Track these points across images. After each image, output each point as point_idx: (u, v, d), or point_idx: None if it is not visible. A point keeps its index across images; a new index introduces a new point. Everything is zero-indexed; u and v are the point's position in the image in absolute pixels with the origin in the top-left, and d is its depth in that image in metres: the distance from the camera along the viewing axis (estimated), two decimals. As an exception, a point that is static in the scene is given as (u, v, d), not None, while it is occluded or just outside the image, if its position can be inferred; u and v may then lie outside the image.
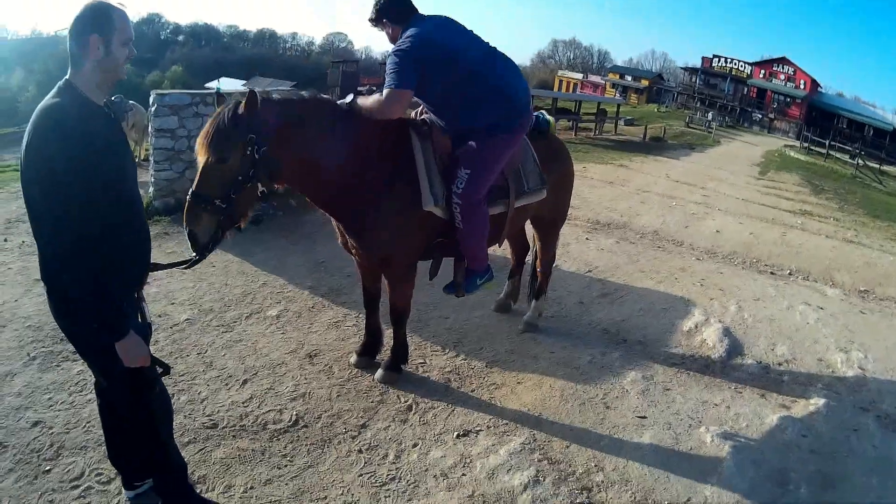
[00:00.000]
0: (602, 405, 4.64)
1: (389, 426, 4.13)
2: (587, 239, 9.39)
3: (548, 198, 4.98)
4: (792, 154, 38.12)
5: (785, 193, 19.48)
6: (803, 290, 8.22)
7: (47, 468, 3.48)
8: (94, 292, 2.42)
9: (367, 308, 4.85)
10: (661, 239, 10.19)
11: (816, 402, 5.03)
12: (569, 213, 5.83)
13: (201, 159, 3.23)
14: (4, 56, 59.85)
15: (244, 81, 52.53)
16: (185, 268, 3.20)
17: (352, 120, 3.98)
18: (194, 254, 3.23)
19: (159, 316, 5.26)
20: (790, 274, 9.02)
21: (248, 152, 3.28)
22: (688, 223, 11.74)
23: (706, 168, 23.38)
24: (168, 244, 7.11)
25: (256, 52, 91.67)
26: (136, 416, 2.82)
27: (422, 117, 4.40)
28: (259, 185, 3.41)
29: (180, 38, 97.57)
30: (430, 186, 4.11)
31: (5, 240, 6.97)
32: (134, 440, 2.89)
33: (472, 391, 4.68)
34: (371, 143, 4.04)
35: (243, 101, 3.26)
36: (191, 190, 3.20)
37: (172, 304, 5.59)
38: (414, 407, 4.37)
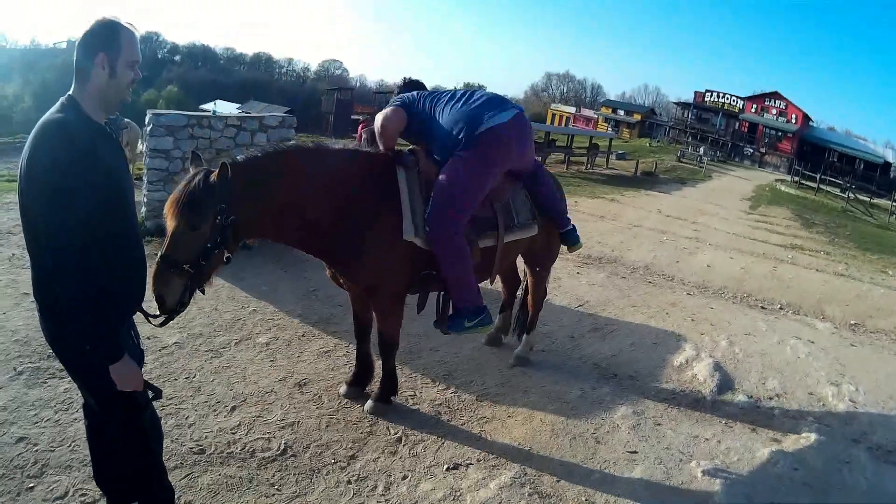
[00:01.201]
0: (593, 440, 4.61)
1: (379, 458, 4.09)
2: (578, 273, 9.40)
3: (540, 234, 5.00)
4: (783, 188, 38.36)
5: (776, 228, 19.60)
6: (794, 325, 8.26)
7: (31, 485, 3.44)
8: (92, 312, 2.39)
9: (358, 337, 4.82)
10: (652, 273, 10.22)
11: (808, 436, 5.04)
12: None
13: (171, 224, 3.21)
14: (2, 64, 59.88)
15: (239, 105, 52.81)
16: (158, 325, 3.17)
17: (327, 164, 4.04)
18: (159, 314, 3.19)
19: (148, 338, 5.18)
20: (781, 308, 9.06)
21: (218, 220, 3.29)
22: (679, 258, 11.79)
23: (697, 202, 23.51)
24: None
25: (252, 76, 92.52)
26: (127, 439, 2.77)
27: (410, 147, 4.45)
28: (226, 250, 3.42)
29: (177, 57, 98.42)
30: (412, 217, 4.12)
31: (-5, 253, 6.91)
32: (123, 463, 2.84)
33: (462, 424, 4.64)
34: (353, 179, 4.10)
35: (215, 172, 3.26)
36: (160, 253, 3.18)
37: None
38: (404, 439, 4.33)
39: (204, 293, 3.46)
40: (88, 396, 2.77)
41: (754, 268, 11.89)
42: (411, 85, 4.80)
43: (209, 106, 44.32)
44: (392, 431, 4.40)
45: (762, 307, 9.01)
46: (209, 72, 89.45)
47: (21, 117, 44.41)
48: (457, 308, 4.36)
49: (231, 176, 3.29)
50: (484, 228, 4.48)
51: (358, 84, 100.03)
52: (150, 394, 2.79)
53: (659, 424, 4.95)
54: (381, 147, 4.35)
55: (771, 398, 5.73)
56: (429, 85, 4.90)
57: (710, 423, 5.10)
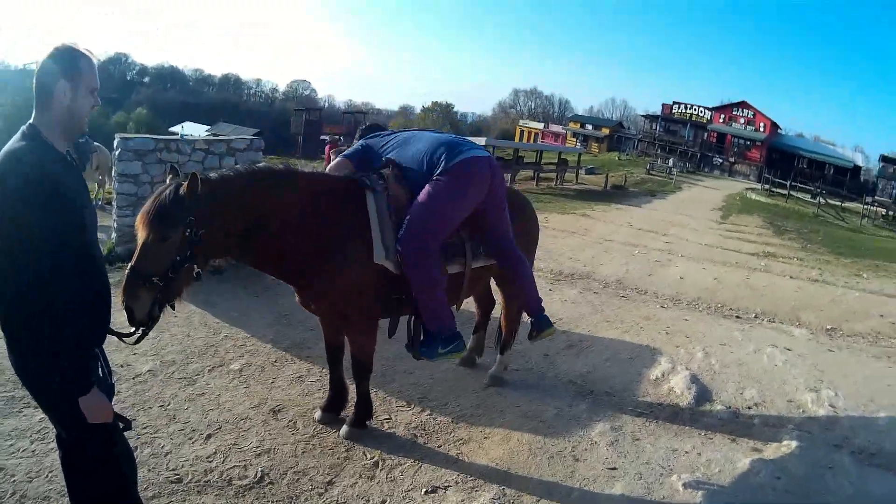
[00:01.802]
0: (571, 458, 4.59)
1: (356, 483, 4.04)
2: (550, 290, 9.32)
3: None
4: (753, 196, 38.84)
5: (748, 236, 19.84)
6: (770, 333, 8.32)
7: (9, 517, 3.36)
8: (56, 344, 2.35)
9: (331, 362, 4.78)
10: (625, 288, 10.25)
11: (789, 443, 5.05)
12: (532, 264, 5.80)
13: (141, 235, 3.20)
14: (-29, 86, 59.30)
15: (208, 127, 52.72)
16: (133, 343, 3.12)
17: (297, 186, 4.06)
18: (132, 328, 3.15)
19: (121, 366, 5.12)
20: (756, 317, 9.13)
21: (188, 234, 3.27)
22: (651, 271, 11.85)
23: (668, 214, 23.73)
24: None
25: (221, 97, 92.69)
26: (100, 469, 2.72)
27: (378, 171, 4.43)
28: (195, 266, 3.40)
29: (146, 79, 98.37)
30: (381, 239, 4.11)
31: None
32: (97, 493, 2.78)
33: (438, 447, 4.60)
34: (322, 202, 4.10)
35: (185, 184, 3.25)
36: (129, 265, 3.16)
37: (134, 354, 5.42)
38: (381, 463, 4.28)
39: (174, 309, 3.41)
40: (59, 428, 2.72)
41: (727, 277, 11.99)
42: (372, 128, 5.01)
43: (178, 129, 44.14)
44: (369, 456, 4.35)
45: (737, 317, 9.07)
46: (178, 93, 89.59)
47: (-9, 140, 43.93)
48: (429, 332, 4.30)
49: (202, 189, 3.27)
50: (452, 254, 4.48)
51: (326, 104, 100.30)
52: (121, 425, 2.74)
53: (637, 439, 4.94)
54: None
55: (750, 407, 5.74)
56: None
57: (689, 435, 5.10)
